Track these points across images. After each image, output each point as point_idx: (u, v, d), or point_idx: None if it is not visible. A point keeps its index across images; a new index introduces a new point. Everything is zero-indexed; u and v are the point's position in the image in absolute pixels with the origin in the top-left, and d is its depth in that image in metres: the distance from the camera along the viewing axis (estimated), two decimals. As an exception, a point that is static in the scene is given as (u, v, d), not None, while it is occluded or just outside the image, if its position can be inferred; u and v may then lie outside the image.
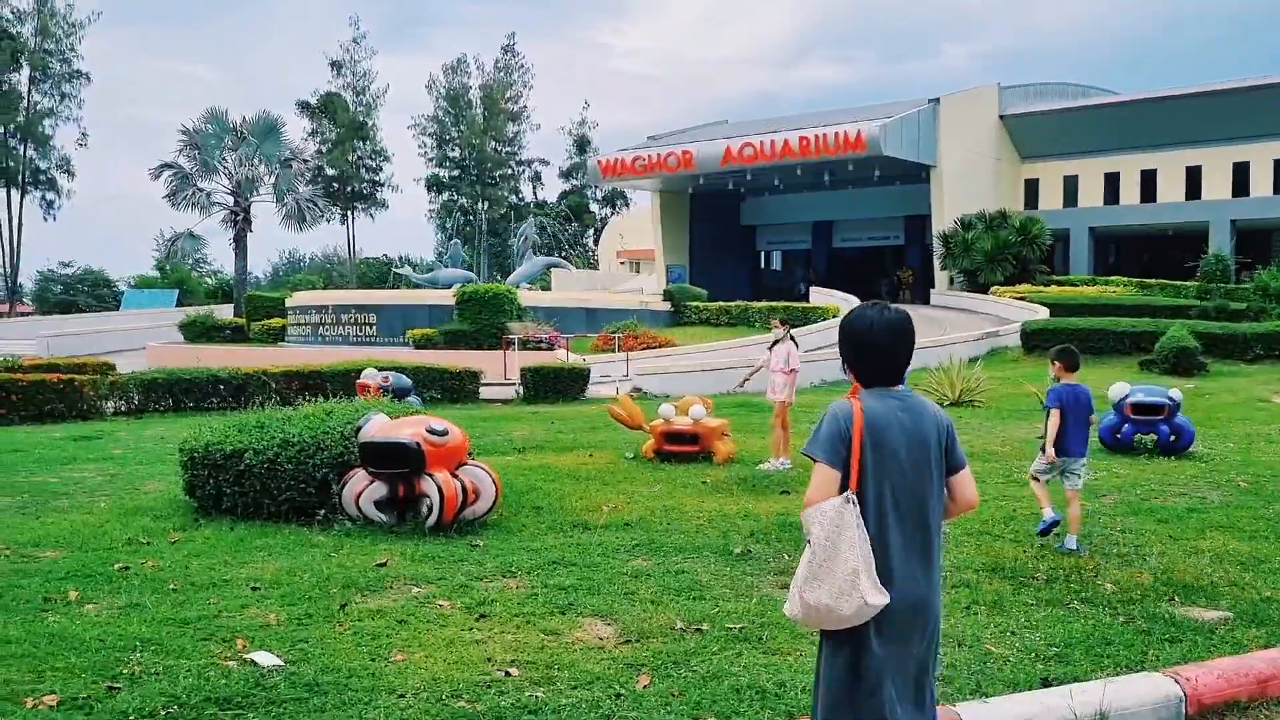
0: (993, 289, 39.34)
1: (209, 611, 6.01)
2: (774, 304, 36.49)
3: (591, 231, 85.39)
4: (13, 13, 60.30)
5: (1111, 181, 45.55)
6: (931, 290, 43.91)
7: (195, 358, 23.79)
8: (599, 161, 49.86)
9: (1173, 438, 12.92)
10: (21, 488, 10.39)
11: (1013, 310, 35.56)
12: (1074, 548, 7.69)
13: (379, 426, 8.36)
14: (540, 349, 28.48)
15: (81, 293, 68.29)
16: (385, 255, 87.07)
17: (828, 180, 47.17)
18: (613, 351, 28.31)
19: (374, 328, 32.48)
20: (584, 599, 6.35)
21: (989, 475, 11.05)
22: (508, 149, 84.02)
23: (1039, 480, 8.17)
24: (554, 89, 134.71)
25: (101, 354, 31.00)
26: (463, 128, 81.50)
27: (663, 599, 6.38)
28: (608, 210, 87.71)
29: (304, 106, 73.96)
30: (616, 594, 6.47)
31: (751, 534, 8.22)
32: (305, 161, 43.45)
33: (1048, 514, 7.93)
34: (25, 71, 61.00)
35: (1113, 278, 40.34)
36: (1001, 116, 46.25)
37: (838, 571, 3.15)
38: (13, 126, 60.23)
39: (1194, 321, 27.49)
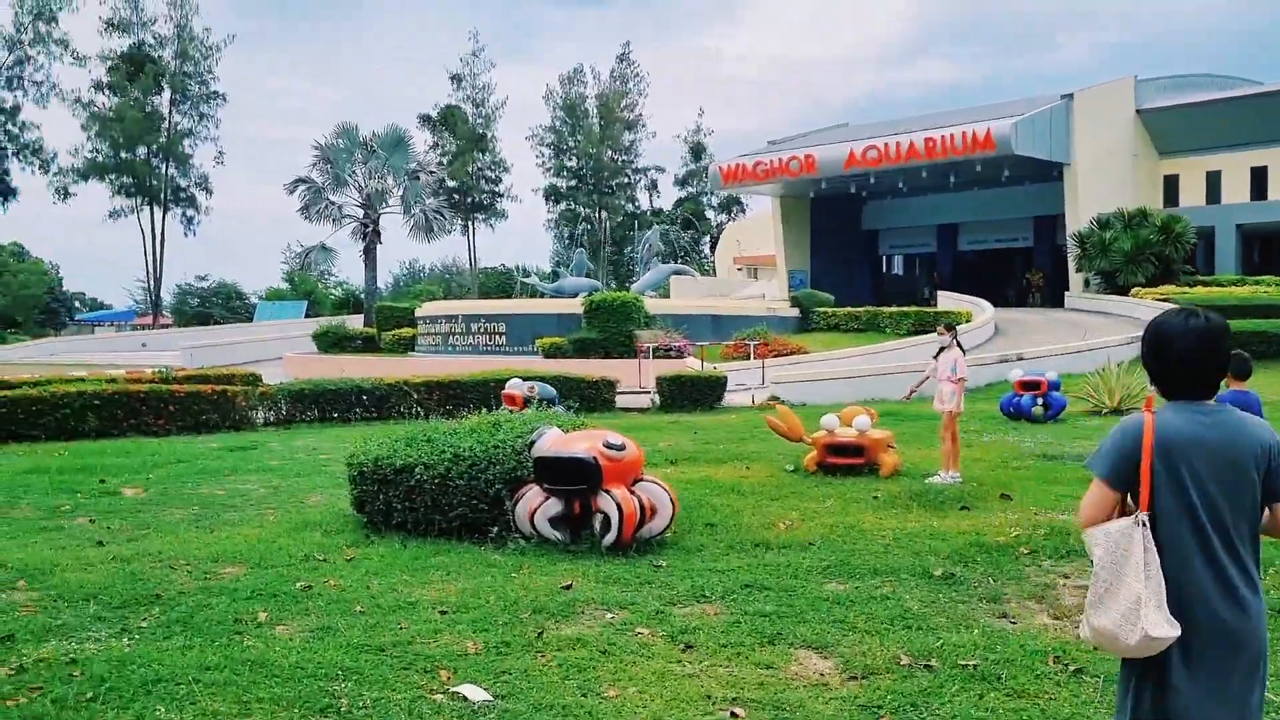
0: (1133, 290, 37.65)
1: (402, 637, 5.78)
2: (904, 309, 35.53)
3: (708, 238, 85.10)
4: (154, 38, 62.81)
5: (1258, 176, 43.20)
6: (1065, 293, 42.28)
7: (338, 368, 24.15)
8: (720, 167, 49.41)
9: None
10: (191, 499, 10.45)
11: (1156, 313, 33.91)
12: None
13: (553, 440, 8.10)
14: (670, 357, 28.21)
15: (216, 305, 70.85)
16: (504, 265, 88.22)
17: (953, 182, 45.89)
18: (745, 359, 27.87)
19: (504, 337, 32.63)
20: (791, 628, 5.95)
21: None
22: (624, 157, 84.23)
23: None
24: (666, 96, 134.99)
25: (239, 364, 31.79)
26: (579, 137, 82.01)
27: (875, 628, 5.94)
28: (724, 217, 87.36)
29: (425, 120, 75.32)
30: (824, 622, 6.05)
31: (947, 555, 7.71)
32: (432, 173, 44.01)
33: None
34: (166, 94, 63.41)
35: (1263, 277, 38.17)
36: (1138, 111, 44.31)
37: (1121, 597, 2.88)
38: (155, 147, 62.60)
39: None
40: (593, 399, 20.86)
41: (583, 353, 29.90)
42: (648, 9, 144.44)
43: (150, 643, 5.66)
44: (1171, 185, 45.11)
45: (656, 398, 21.70)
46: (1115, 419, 17.85)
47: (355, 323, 43.70)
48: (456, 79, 77.67)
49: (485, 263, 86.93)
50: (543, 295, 37.38)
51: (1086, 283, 41.80)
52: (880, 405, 21.10)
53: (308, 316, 55.88)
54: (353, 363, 29.19)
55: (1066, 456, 12.90)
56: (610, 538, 7.76)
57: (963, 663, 5.34)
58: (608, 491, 7.80)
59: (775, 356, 28.26)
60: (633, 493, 7.90)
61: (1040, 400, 17.37)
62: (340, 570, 7.37)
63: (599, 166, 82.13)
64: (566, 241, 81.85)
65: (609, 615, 6.24)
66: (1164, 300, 35.10)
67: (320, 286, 74.07)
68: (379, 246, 42.19)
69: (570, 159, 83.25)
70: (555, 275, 74.43)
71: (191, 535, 8.68)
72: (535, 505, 8.01)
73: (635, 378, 24.13)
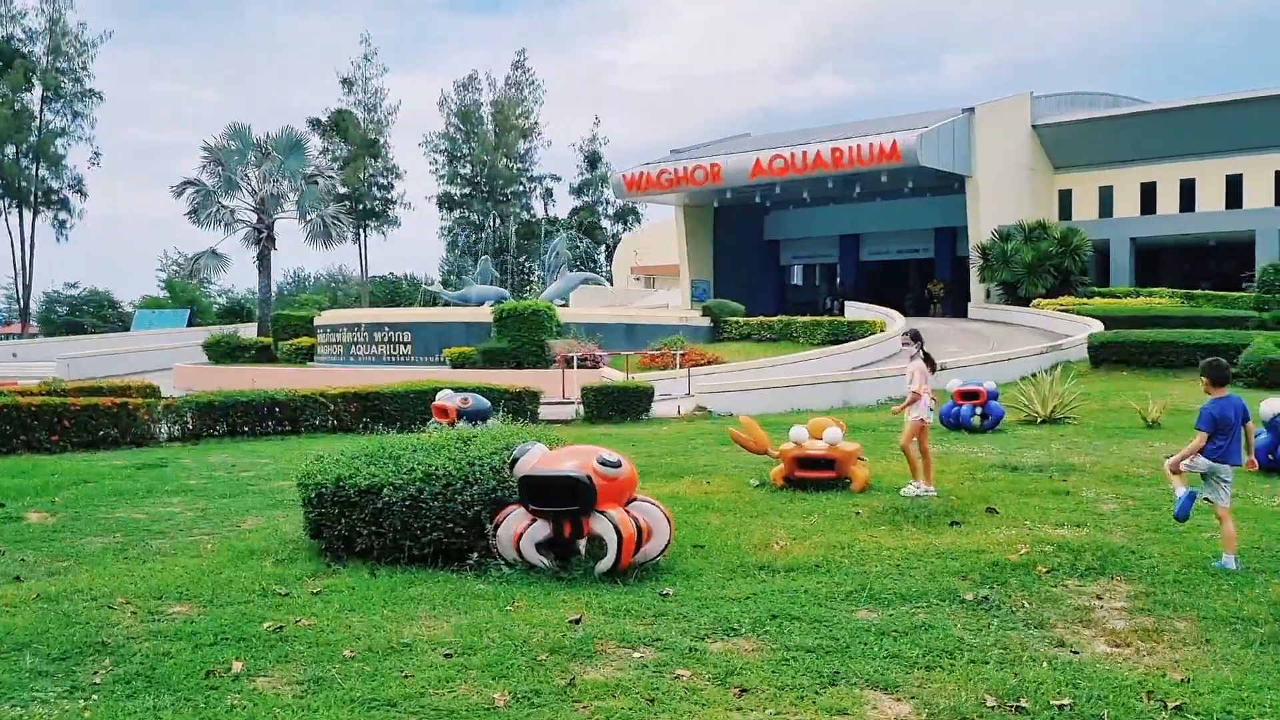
0: (1034, 301, 38.41)
1: (411, 688, 5.00)
2: (818, 319, 35.51)
3: (603, 248, 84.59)
4: (25, 32, 59.53)
5: (1148, 191, 44.64)
6: (968, 303, 42.94)
7: (241, 379, 22.79)
8: (623, 176, 48.95)
9: (1336, 458, 11.97)
10: (109, 525, 9.36)
11: (1058, 323, 34.64)
12: (1234, 568, 7.32)
13: (540, 457, 7.36)
14: (585, 366, 27.50)
15: (87, 314, 67.20)
16: (392, 274, 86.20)
17: (857, 192, 46.30)
18: (663, 369, 27.33)
19: (409, 347, 31.47)
20: (845, 664, 5.34)
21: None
22: (519, 165, 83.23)
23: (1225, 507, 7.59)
24: (561, 106, 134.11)
25: (123, 375, 29.90)
26: (474, 144, 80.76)
27: (937, 663, 5.38)
28: (619, 226, 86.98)
29: (315, 124, 73.05)
30: (877, 657, 5.46)
31: (966, 577, 7.21)
32: (330, 178, 42.40)
33: (1181, 491, 7.54)
34: (38, 90, 60.11)
35: (1156, 289, 39.42)
36: (1034, 126, 45.38)
37: None
38: (25, 146, 59.26)
39: (1273, 333, 26.51)
40: (516, 411, 20.00)
41: (493, 363, 28.96)
42: (542, 19, 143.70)
43: (110, 703, 4.78)
44: (1066, 199, 46.29)
45: (581, 409, 20.98)
46: (1051, 429, 17.87)
47: (248, 332, 41.84)
48: (348, 83, 75.70)
49: (375, 271, 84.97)
50: (447, 304, 36.26)
51: (988, 293, 42.53)
52: (808, 416, 20.80)
53: (190, 326, 53.41)
54: (256, 374, 27.70)
55: (1026, 467, 12.63)
56: (606, 563, 7.06)
57: (1055, 703, 4.80)
58: (602, 513, 7.10)
59: (693, 366, 27.77)
60: (628, 513, 7.21)
61: (979, 410, 17.20)
62: (309, 606, 6.50)
63: (494, 174, 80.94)
64: (459, 251, 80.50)
65: (636, 654, 5.54)
66: (1063, 311, 35.88)
67: (201, 294, 71.03)
68: (273, 253, 40.49)
69: (464, 166, 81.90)
70: (448, 284, 73.10)
71: (121, 567, 7.67)
72: (520, 529, 7.25)
73: (558, 388, 23.36)
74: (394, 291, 79.30)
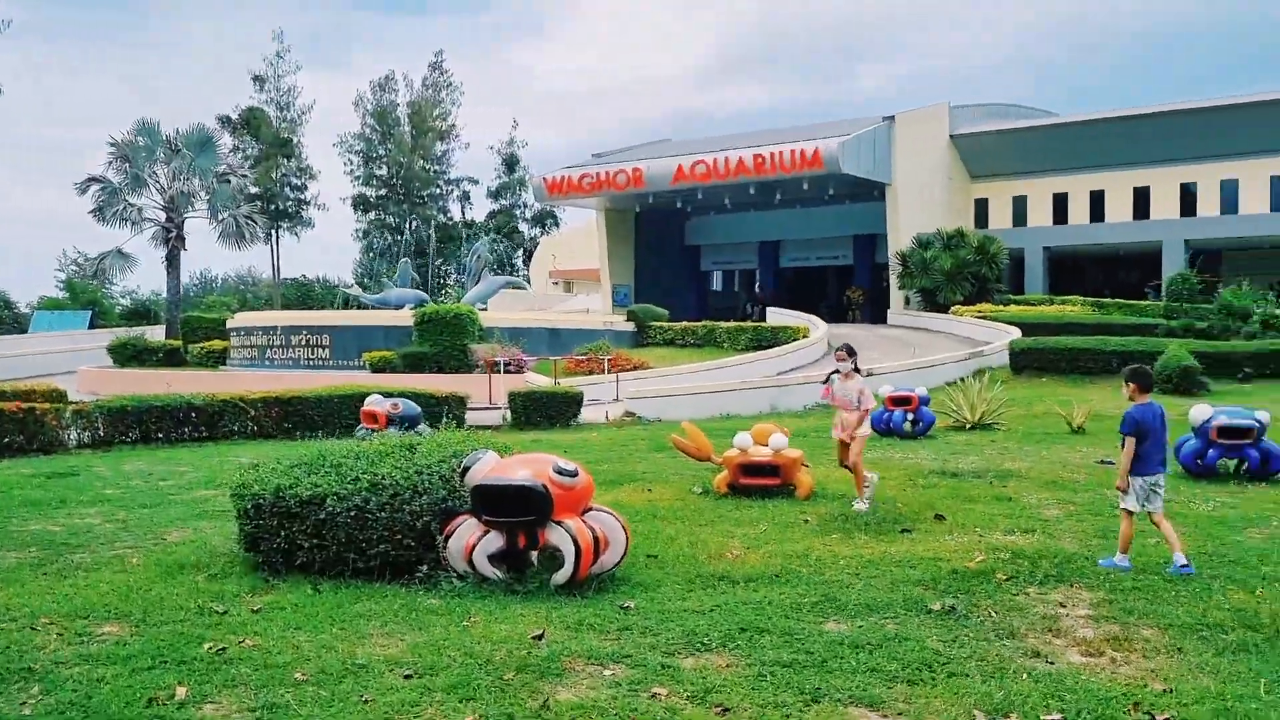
0: (953, 308, 39.00)
1: (374, 713, 4.69)
2: (741, 324, 35.55)
3: (521, 251, 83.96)
4: (-86, 19, 56.89)
5: (1060, 202, 45.76)
6: (888, 310, 43.45)
7: (156, 383, 21.91)
8: (544, 179, 48.51)
9: (1263, 462, 12.20)
10: (23, 539, 8.80)
11: (977, 330, 35.18)
12: (1191, 568, 7.43)
13: (492, 466, 7.07)
14: (509, 371, 27.10)
15: (-24, 315, 64.36)
16: (304, 276, 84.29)
17: (778, 199, 46.60)
18: (588, 374, 27.06)
19: (327, 350, 30.70)
20: (825, 680, 5.16)
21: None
22: (436, 168, 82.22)
23: (1135, 514, 7.76)
24: (478, 108, 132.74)
25: (25, 379, 28.61)
26: (390, 145, 79.58)
27: (919, 677, 5.23)
28: (537, 230, 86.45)
29: (225, 121, 71.11)
30: (855, 672, 5.29)
31: (928, 586, 7.10)
32: (244, 176, 41.16)
33: (1180, 557, 7.53)
34: (-72, 80, 57.49)
35: (1069, 297, 40.33)
36: (952, 136, 46.18)
37: None
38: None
39: (1187, 341, 27.23)
40: (441, 416, 19.59)
41: (414, 367, 28.41)
42: (459, 20, 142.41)
43: (44, 738, 4.37)
44: (982, 208, 47.19)
45: (508, 414, 20.62)
46: (982, 434, 18.04)
47: (155, 334, 40.44)
48: (259, 80, 73.97)
49: (286, 273, 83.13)
50: (366, 306, 35.49)
51: (907, 300, 43.08)
52: (736, 422, 20.73)
53: (93, 328, 51.45)
54: (170, 378, 26.70)
55: (965, 473, 12.66)
56: (563, 575, 6.79)
57: (1045, 717, 4.68)
58: (559, 523, 6.84)
59: (620, 371, 27.57)
60: (585, 523, 6.96)
61: (910, 416, 17.29)
62: (251, 625, 6.12)
63: (410, 176, 79.85)
64: (375, 254, 79.16)
65: (607, 672, 5.30)
66: (981, 318, 36.48)
67: (103, 295, 68.59)
68: (183, 253, 39.19)
69: (380, 168, 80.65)
70: (364, 287, 71.72)
71: (41, 584, 7.18)
72: (472, 540, 6.95)
73: (484, 393, 22.94)
74: (306, 294, 77.56)
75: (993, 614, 6.43)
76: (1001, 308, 38.01)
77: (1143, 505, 7.67)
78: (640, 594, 6.89)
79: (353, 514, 7.04)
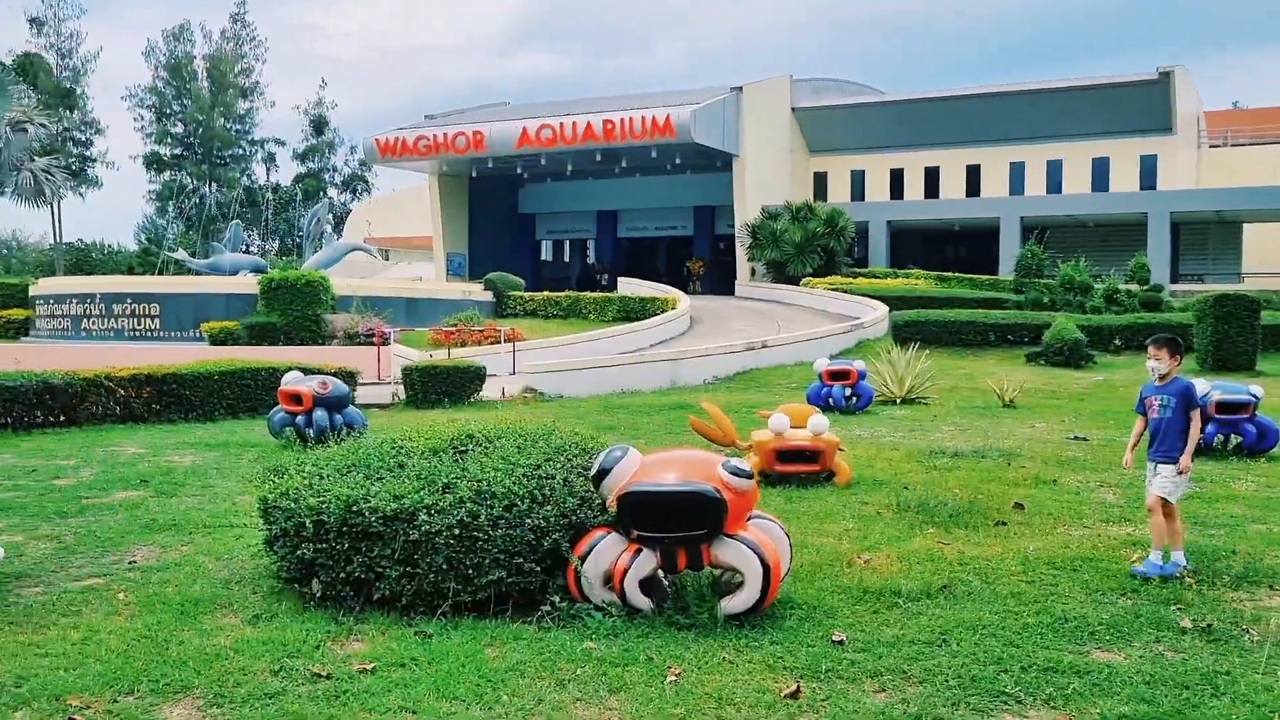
0: (804, 280, 38.91)
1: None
2: (608, 295, 34.14)
3: (332, 217, 79.72)
4: None
5: (897, 177, 46.54)
6: (734, 281, 43.07)
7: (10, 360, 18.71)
8: (376, 140, 45.53)
9: (1260, 437, 11.93)
10: (-61, 570, 6.65)
11: (832, 302, 35.14)
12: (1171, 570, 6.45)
13: (638, 466, 5.59)
14: (369, 344, 24.95)
15: None
16: (81, 240, 76.67)
17: (620, 168, 45.48)
18: (459, 346, 25.17)
19: (157, 320, 27.55)
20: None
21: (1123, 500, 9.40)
22: (239, 127, 76.84)
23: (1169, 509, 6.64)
24: (271, 67, 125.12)
25: None
26: (186, 101, 73.76)
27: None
28: (348, 195, 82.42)
29: (-2, 67, 64.03)
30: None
31: (1125, 593, 6.10)
32: (43, 125, 36.50)
33: (1180, 556, 6.54)
34: None
35: (911, 270, 40.93)
36: (794, 109, 46.18)
37: None
38: None
39: (1073, 315, 27.72)
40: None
41: (261, 338, 25.85)
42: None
43: None
44: (821, 181, 47.49)
45: (401, 391, 18.69)
46: (915, 409, 17.47)
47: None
48: (37, 23, 67.09)
49: (64, 238, 75.86)
50: (196, 272, 32.19)
51: (753, 272, 42.80)
52: (638, 397, 19.55)
53: None
54: (20, 354, 23.21)
55: (966, 453, 11.86)
56: (744, 601, 5.42)
57: None
58: (732, 537, 5.45)
59: (490, 343, 25.84)
60: (762, 535, 5.59)
61: (849, 391, 16.50)
62: (372, 694, 4.50)
63: (209, 135, 74.30)
64: (170, 217, 73.35)
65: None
66: (834, 290, 36.48)
67: None
68: (-31, 210, 34.54)
69: (175, 124, 74.69)
70: (147, 252, 66.22)
71: (16, 640, 5.23)
72: (622, 562, 5.46)
73: (372, 368, 20.82)
74: (82, 259, 70.94)
75: (1250, 632, 5.47)
76: (851, 280, 38.18)
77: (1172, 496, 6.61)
78: (815, 621, 5.58)
79: (456, 532, 5.41)
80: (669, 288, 36.58)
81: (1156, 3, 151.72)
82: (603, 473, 5.58)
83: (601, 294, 34.66)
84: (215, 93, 74.58)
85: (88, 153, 68.74)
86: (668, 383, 21.93)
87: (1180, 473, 6.58)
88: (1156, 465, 6.69)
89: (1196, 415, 6.67)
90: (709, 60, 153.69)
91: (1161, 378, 6.76)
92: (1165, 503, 6.57)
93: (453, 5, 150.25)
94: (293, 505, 5.68)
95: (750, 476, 5.52)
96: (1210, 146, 46.24)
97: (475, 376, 18.78)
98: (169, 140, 74.41)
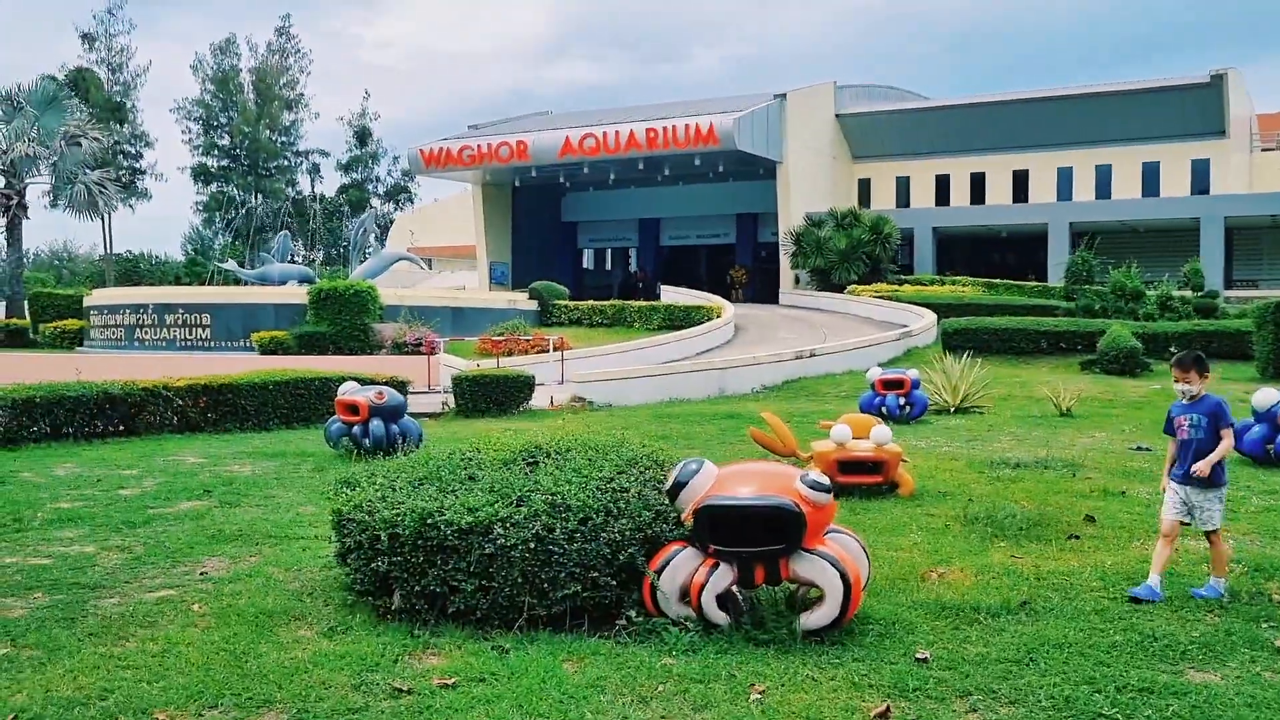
0: (849, 288, 38.63)
1: None
2: (653, 304, 34.00)
3: (377, 228, 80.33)
4: None
5: (943, 183, 46.12)
6: (778, 290, 42.86)
7: (31, 370, 18.99)
8: (421, 151, 45.81)
9: (1333, 448, 11.64)
10: (7, 577, 6.70)
11: (877, 309, 34.83)
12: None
13: (714, 479, 5.52)
14: (418, 353, 25.08)
15: None
16: (129, 251, 77.80)
17: (663, 175, 45.40)
18: (507, 355, 25.23)
19: (208, 330, 27.87)
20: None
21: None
22: (284, 139, 77.72)
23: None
24: (315, 80, 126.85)
25: None
26: (233, 113, 74.72)
27: None
28: (390, 206, 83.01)
29: (51, 81, 65.11)
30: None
31: (1211, 610, 5.94)
32: (96, 140, 37.09)
33: (1156, 579, 6.27)
34: None
35: (957, 277, 40.52)
36: (838, 115, 45.94)
37: None
38: None
39: (1127, 321, 27.31)
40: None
41: (310, 348, 26.03)
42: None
43: None
44: (865, 188, 47.18)
45: (451, 400, 18.74)
46: (970, 418, 17.25)
47: (-8, 313, 36.31)
48: (88, 39, 68.28)
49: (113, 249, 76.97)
50: (246, 283, 32.54)
51: (797, 280, 42.57)
52: (686, 406, 19.44)
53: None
54: (30, 362, 23.56)
55: (1028, 464, 11.66)
56: (823, 617, 5.33)
57: None
58: (814, 552, 5.36)
59: (538, 352, 25.87)
60: (841, 550, 5.50)
61: (903, 400, 16.32)
62: (454, 709, 4.45)
63: (255, 146, 75.21)
64: (216, 229, 74.28)
65: (1041, 771, 3.89)
66: (880, 298, 36.19)
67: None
68: (25, 222, 35.20)
69: (222, 137, 75.69)
70: (193, 263, 67.05)
71: (96, 651, 5.25)
72: (699, 577, 5.39)
73: (422, 378, 20.90)
74: (131, 269, 71.98)
75: (1345, 650, 5.30)
76: (897, 288, 37.83)
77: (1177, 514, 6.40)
78: (898, 634, 5.48)
79: (531, 545, 5.37)
80: (713, 296, 36.49)
81: (1208, 4, 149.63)
82: (678, 486, 5.51)
83: (646, 302, 34.57)
84: (261, 105, 75.54)
85: (137, 165, 69.76)
86: (716, 391, 21.84)
87: (1210, 484, 6.31)
88: (1187, 489, 6.38)
89: (1229, 433, 6.39)
90: (748, 67, 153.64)
91: (1191, 398, 6.46)
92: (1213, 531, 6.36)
93: (491, 15, 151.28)
94: (367, 518, 5.66)
95: (829, 490, 5.43)
96: (1263, 150, 45.42)
97: (525, 386, 18.79)
98: (216, 152, 75.44)
